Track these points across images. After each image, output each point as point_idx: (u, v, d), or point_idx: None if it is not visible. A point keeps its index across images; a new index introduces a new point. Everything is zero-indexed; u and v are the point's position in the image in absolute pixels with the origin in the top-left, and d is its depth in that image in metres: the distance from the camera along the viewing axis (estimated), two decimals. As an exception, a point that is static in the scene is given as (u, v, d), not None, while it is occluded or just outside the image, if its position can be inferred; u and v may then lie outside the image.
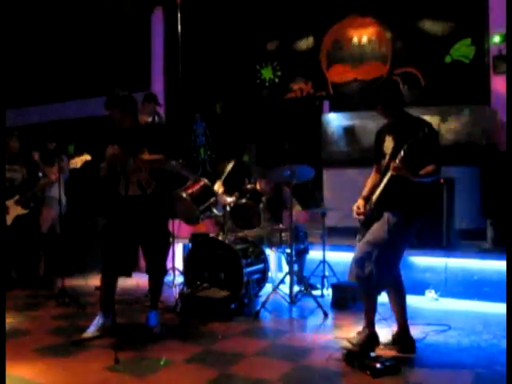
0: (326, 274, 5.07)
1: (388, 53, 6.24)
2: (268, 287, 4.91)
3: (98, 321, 3.64)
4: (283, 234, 4.83)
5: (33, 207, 5.45)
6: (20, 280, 5.47)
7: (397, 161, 3.06)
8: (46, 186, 5.42)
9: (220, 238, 4.64)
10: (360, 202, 3.35)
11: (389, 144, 3.27)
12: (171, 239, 4.73)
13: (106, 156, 3.62)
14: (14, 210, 5.34)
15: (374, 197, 3.24)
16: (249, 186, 4.99)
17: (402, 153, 3.05)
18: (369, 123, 5.26)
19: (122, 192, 3.58)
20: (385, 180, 3.18)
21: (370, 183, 3.44)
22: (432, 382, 2.86)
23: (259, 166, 5.71)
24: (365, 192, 3.42)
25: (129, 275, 3.82)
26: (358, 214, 3.33)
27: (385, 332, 3.44)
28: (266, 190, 5.23)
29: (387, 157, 3.23)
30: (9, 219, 5.31)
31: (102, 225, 4.04)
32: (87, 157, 4.78)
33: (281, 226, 4.94)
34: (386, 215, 3.18)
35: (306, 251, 5.20)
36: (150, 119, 5.20)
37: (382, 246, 3.14)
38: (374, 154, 3.44)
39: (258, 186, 5.36)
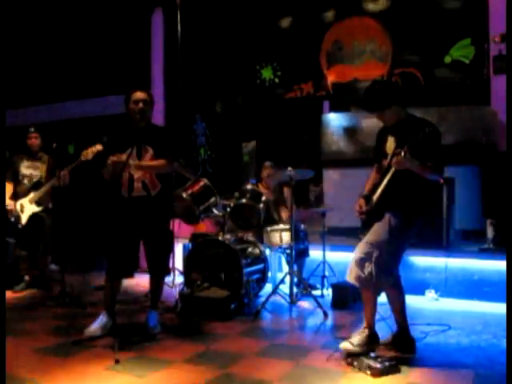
0: (326, 274, 5.07)
1: (388, 53, 6.25)
2: (268, 287, 4.91)
3: (101, 319, 3.64)
4: (283, 234, 4.83)
5: (51, 208, 5.33)
6: (32, 282, 5.35)
7: (402, 153, 3.04)
8: (50, 187, 5.20)
9: (220, 238, 4.64)
10: (361, 201, 3.34)
11: (391, 144, 3.26)
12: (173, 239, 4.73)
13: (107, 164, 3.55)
14: (29, 209, 5.23)
15: (375, 197, 3.23)
16: (249, 186, 4.99)
17: (405, 148, 3.03)
18: (369, 123, 5.26)
19: (125, 194, 3.61)
20: (385, 180, 3.17)
21: (370, 183, 3.42)
22: (432, 382, 2.86)
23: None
24: (365, 192, 3.41)
25: (130, 276, 3.82)
26: (360, 213, 3.32)
27: (385, 332, 3.44)
28: (269, 184, 5.26)
29: (389, 157, 3.22)
30: (24, 218, 5.20)
31: (105, 225, 4.04)
32: (99, 147, 4.68)
33: (281, 225, 4.94)
34: (386, 216, 3.18)
35: (306, 253, 5.19)
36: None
37: (382, 246, 3.13)
38: (375, 153, 3.44)
39: (260, 187, 5.38)
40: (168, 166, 3.68)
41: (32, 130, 5.42)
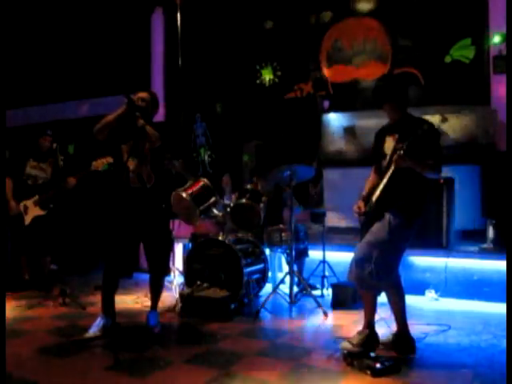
0: (326, 274, 5.07)
1: (388, 53, 6.24)
2: (268, 287, 4.91)
3: (99, 322, 3.63)
4: (283, 234, 4.83)
5: (51, 209, 5.32)
6: (32, 282, 5.36)
7: (400, 152, 3.05)
8: (57, 191, 5.20)
9: (220, 238, 4.64)
10: (360, 203, 3.34)
11: (389, 144, 3.26)
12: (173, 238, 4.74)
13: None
14: (33, 211, 5.21)
15: (374, 197, 3.23)
16: (249, 186, 5.00)
17: (404, 146, 3.04)
18: (369, 123, 5.26)
19: (124, 184, 3.60)
20: (385, 179, 3.17)
21: (369, 184, 3.42)
22: (432, 381, 2.86)
23: (259, 167, 5.70)
24: (364, 193, 3.41)
25: (129, 276, 3.82)
26: (359, 214, 3.32)
27: (385, 332, 3.44)
28: (265, 191, 5.24)
29: (388, 157, 3.22)
30: (27, 219, 5.19)
31: (104, 223, 4.03)
32: (109, 159, 4.75)
33: (281, 226, 4.94)
34: (386, 216, 3.18)
35: (305, 254, 5.19)
36: None
37: (382, 246, 3.14)
38: (374, 154, 3.44)
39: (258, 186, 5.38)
40: (158, 135, 3.63)
41: (50, 132, 5.40)
